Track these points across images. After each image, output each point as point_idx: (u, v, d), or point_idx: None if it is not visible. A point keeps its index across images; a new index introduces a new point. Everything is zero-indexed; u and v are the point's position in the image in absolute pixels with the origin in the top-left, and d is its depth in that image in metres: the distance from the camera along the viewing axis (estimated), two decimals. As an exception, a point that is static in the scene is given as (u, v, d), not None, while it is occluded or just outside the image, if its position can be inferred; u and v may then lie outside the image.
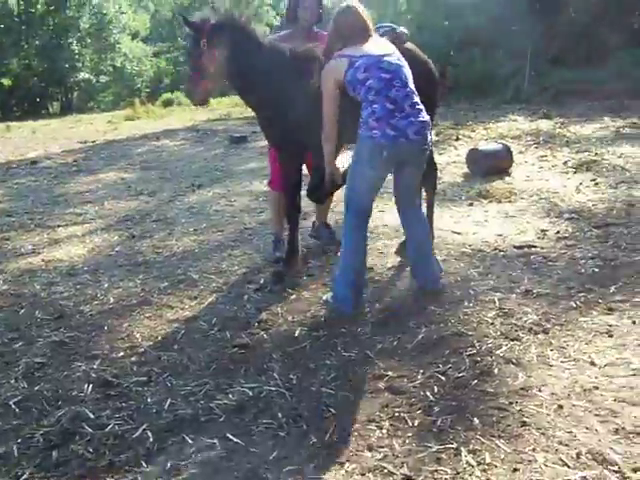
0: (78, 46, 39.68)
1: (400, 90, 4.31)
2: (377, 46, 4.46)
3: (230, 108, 23.10)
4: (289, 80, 4.86)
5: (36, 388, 3.78)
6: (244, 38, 4.84)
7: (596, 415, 3.13)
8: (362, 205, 4.54)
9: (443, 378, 3.60)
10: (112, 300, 5.17)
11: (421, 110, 4.38)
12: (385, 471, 2.83)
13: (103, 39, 41.72)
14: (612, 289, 4.67)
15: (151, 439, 3.19)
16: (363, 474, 2.83)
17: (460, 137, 12.30)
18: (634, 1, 21.27)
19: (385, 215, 6.90)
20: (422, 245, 4.79)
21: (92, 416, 3.42)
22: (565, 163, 9.25)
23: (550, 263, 5.33)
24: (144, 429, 3.28)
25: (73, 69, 38.83)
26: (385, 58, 4.37)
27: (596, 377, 3.50)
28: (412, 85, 4.40)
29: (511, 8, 19.72)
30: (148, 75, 46.73)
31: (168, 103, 28.72)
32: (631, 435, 2.95)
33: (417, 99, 4.39)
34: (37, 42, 38.22)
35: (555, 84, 18.08)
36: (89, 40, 41.17)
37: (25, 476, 2.95)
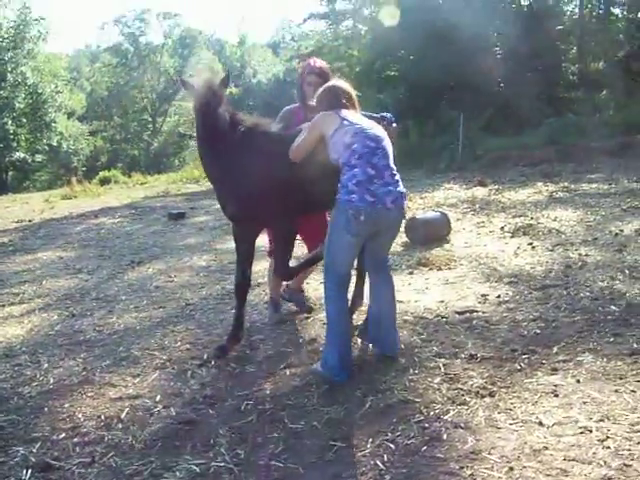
0: (13, 125, 39.43)
1: (382, 159, 4.44)
2: (362, 118, 4.68)
3: (168, 185, 23.10)
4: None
5: (-30, 477, 3.63)
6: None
7: (547, 475, 3.13)
8: (341, 274, 4.61)
9: (392, 446, 3.57)
10: (52, 380, 5.01)
11: (399, 181, 4.51)
12: None
13: (39, 118, 41.59)
14: (555, 349, 4.73)
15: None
16: None
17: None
18: (557, 74, 22.26)
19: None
20: (387, 308, 4.84)
21: (32, 503, 3.29)
22: (502, 228, 9.44)
23: (492, 327, 5.39)
24: (87, 514, 3.16)
25: (8, 148, 38.49)
26: (372, 129, 4.54)
27: (545, 437, 3.51)
28: (392, 159, 4.54)
29: (441, 79, 20.36)
30: (84, 154, 46.63)
31: (105, 181, 28.54)
32: (583, 494, 2.95)
33: (396, 171, 4.52)
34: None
35: (488, 152, 18.61)
36: (24, 119, 40.99)
37: None
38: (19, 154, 39.41)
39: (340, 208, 4.43)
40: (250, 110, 57.01)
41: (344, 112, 4.59)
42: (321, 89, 4.86)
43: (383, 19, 20.77)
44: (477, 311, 5.78)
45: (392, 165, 4.51)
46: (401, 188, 4.50)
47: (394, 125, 5.19)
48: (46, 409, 4.48)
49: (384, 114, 5.23)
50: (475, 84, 20.58)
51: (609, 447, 3.34)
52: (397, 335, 4.96)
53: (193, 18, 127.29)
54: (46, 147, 41.96)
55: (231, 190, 4.99)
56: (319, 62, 5.70)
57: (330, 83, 4.91)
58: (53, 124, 42.21)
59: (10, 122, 39.24)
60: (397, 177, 4.51)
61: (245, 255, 5.33)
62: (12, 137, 39.07)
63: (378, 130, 4.61)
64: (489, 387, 4.20)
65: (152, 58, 52.47)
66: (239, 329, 5.38)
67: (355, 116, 4.63)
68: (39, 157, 41.67)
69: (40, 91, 40.83)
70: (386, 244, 4.81)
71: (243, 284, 5.36)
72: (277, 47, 70.87)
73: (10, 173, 42.19)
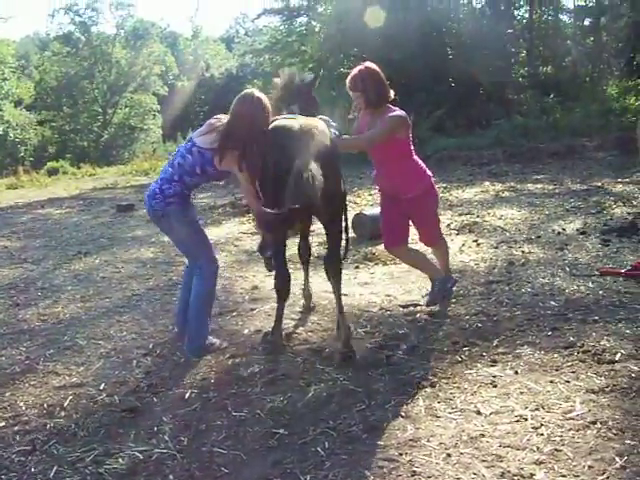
0: (-43, 113, 38.64)
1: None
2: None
3: (117, 177, 22.88)
4: None
5: None
6: None
7: (483, 461, 3.23)
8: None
9: (334, 433, 3.63)
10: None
11: (156, 181, 5.04)
12: (278, 527, 2.82)
13: (-16, 106, 40.76)
14: (495, 342, 4.84)
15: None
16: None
17: (346, 202, 12.51)
18: (507, 76, 22.61)
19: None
20: (190, 305, 5.06)
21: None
22: (448, 225, 9.56)
23: (435, 320, 5.49)
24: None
25: (-49, 137, 37.70)
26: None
27: (482, 425, 3.61)
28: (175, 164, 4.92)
29: (392, 78, 20.50)
30: (32, 144, 45.79)
31: (53, 172, 28.13)
32: (515, 477, 3.06)
33: (164, 175, 4.98)
34: None
35: (437, 151, 18.78)
36: (-31, 107, 40.15)
37: None
38: (-37, 142, 38.62)
39: None
40: (201, 104, 56.87)
41: None
42: None
43: (368, 21, 20.73)
44: (421, 305, 5.88)
45: (166, 169, 5.00)
46: (151, 188, 5.03)
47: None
48: (-15, 398, 4.44)
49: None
50: (426, 84, 20.78)
51: (542, 434, 3.46)
52: (195, 334, 5.02)
53: (146, 9, 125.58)
54: (-8, 135, 41.15)
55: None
56: None
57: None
58: (-1, 112, 41.41)
59: (-46, 109, 38.44)
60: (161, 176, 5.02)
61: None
62: (-44, 124, 38.27)
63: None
64: (430, 378, 4.29)
65: (104, 49, 51.71)
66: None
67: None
68: (-16, 146, 40.86)
69: (-14, 78, 40.03)
70: (176, 243, 5.37)
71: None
72: (231, 42, 70.59)
73: (-46, 162, 41.26)
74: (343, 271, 5.03)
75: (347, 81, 5.49)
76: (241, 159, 4.65)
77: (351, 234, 8.91)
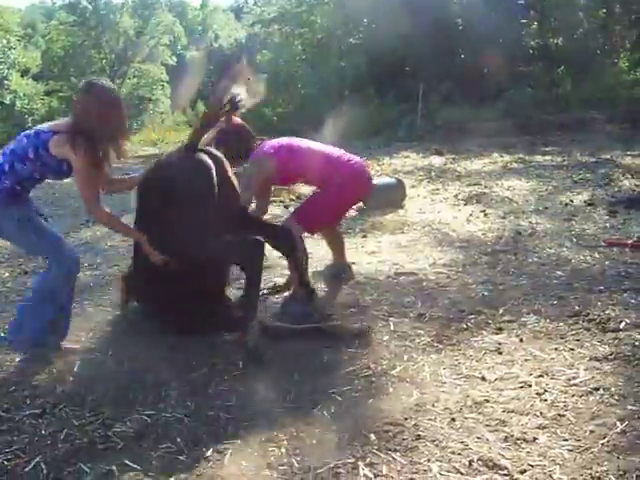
0: (-36, 81, 38.53)
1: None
2: None
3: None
4: None
5: None
6: None
7: (487, 425, 3.27)
8: None
9: (340, 398, 3.67)
10: (2, 335, 5.01)
11: None
12: (285, 488, 2.87)
13: (-10, 75, 40.63)
14: (501, 310, 4.87)
15: (45, 470, 3.11)
16: (263, 492, 2.86)
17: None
18: (518, 46, 22.41)
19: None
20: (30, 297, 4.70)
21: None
22: (456, 196, 9.58)
23: (442, 288, 5.52)
24: (37, 461, 3.19)
25: (-42, 106, 37.63)
26: None
27: (487, 391, 3.64)
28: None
29: (403, 49, 20.40)
30: (39, 114, 45.67)
31: (61, 142, 28.11)
32: (519, 441, 3.10)
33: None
34: None
35: (447, 122, 18.74)
36: (-25, 75, 40.01)
37: None
38: (-31, 111, 38.54)
39: None
40: (210, 74, 56.61)
41: None
42: None
43: None
44: (427, 273, 5.91)
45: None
46: None
47: None
48: (-4, 362, 4.49)
49: None
50: (435, 55, 20.65)
51: (546, 400, 3.49)
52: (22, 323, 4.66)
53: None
54: (-1, 105, 41.06)
55: None
56: None
57: None
58: (5, 81, 41.21)
59: (-40, 78, 38.32)
60: None
61: None
62: (-38, 93, 38.18)
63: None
64: (436, 345, 4.33)
65: (111, 18, 51.39)
66: None
67: None
68: (-9, 115, 40.78)
69: (-10, 46, 39.80)
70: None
71: None
72: (240, 12, 70.01)
73: (-39, 131, 41.22)
74: (351, 239, 5.09)
75: None
76: (89, 150, 4.15)
77: (359, 204, 9.03)
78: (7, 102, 41.16)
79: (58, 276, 4.46)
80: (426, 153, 15.10)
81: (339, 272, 5.82)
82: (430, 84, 20.41)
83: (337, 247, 5.86)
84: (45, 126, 4.31)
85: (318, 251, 6.36)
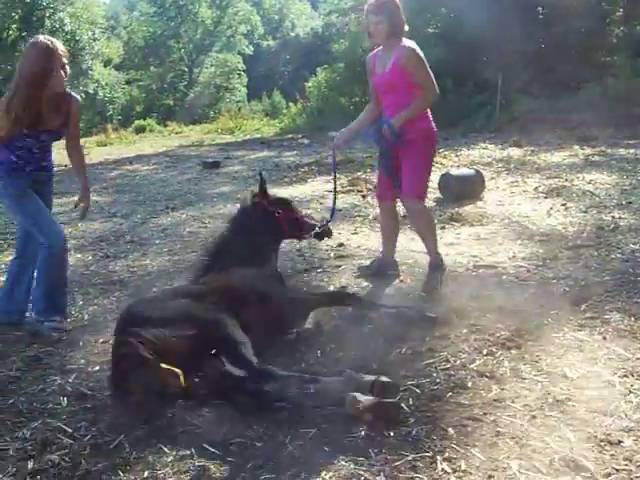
0: (50, 72, 39.59)
1: None
2: None
3: (202, 135, 23.17)
4: None
5: (10, 401, 3.78)
6: None
7: (568, 425, 3.18)
8: None
9: (418, 391, 3.64)
10: (87, 317, 5.18)
11: None
12: (362, 479, 2.86)
13: (75, 65, 41.67)
14: (582, 307, 4.74)
15: (128, 449, 3.19)
16: (340, 482, 2.86)
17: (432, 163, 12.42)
18: (600, 37, 21.80)
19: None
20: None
21: (68, 428, 3.42)
22: (536, 189, 9.39)
23: (522, 283, 5.42)
24: (120, 440, 3.27)
25: (44, 95, 38.70)
26: None
27: (568, 389, 3.55)
28: None
29: (481, 38, 20.08)
30: (120, 102, 46.74)
31: (140, 130, 28.78)
32: (602, 443, 3.01)
33: None
34: (9, 67, 38.10)
35: (525, 113, 18.36)
36: (61, 66, 41.08)
37: (0, 485, 2.96)
38: (55, 101, 39.61)
39: None
40: (286, 64, 56.94)
41: None
42: None
43: None
44: (507, 267, 5.81)
45: None
46: None
47: None
48: (81, 343, 4.64)
49: None
50: (515, 44, 20.23)
51: (631, 401, 3.38)
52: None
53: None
54: (82, 94, 42.03)
55: None
56: None
57: None
58: (90, 71, 42.28)
59: (47, 68, 39.41)
60: None
61: None
62: (49, 83, 39.27)
63: None
64: (516, 339, 4.24)
65: (190, 8, 52.09)
66: None
67: None
68: (75, 104, 41.84)
69: (78, 38, 40.84)
70: None
71: None
72: (316, 1, 70.08)
73: (46, 119, 42.40)
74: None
75: (370, 4, 5.25)
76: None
77: (437, 194, 8.98)
78: (91, 91, 42.20)
79: (52, 254, 4.81)
80: (504, 145, 14.83)
81: (384, 269, 5.79)
82: (509, 74, 20.03)
83: (392, 240, 5.82)
84: None
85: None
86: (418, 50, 5.27)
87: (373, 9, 5.22)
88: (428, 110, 5.46)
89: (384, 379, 3.52)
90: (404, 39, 5.32)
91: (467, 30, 20.26)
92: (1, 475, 3.04)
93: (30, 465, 3.09)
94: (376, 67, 5.44)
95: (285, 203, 5.09)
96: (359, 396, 3.34)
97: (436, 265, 5.48)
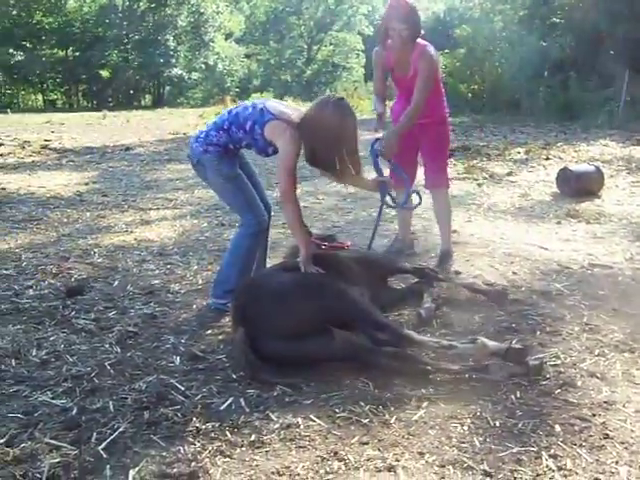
0: (174, 42, 40.73)
1: None
2: None
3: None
4: None
5: (128, 354, 3.97)
6: None
7: (682, 435, 3.09)
8: None
9: (526, 384, 3.60)
10: (201, 281, 5.33)
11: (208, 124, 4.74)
12: (465, 465, 2.86)
13: (198, 37, 42.67)
14: None
15: (236, 412, 3.29)
16: (442, 466, 2.86)
17: (550, 157, 12.17)
18: None
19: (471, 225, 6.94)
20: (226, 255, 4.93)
21: (180, 386, 3.55)
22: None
23: (639, 285, 5.25)
24: (230, 403, 3.38)
25: (167, 64, 39.88)
26: None
27: (683, 399, 3.44)
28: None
29: (609, 30, 19.41)
30: (238, 75, 47.55)
31: (257, 103, 29.09)
32: None
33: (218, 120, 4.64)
34: (137, 37, 39.43)
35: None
36: (184, 37, 42.19)
37: (121, 429, 3.12)
38: (177, 70, 40.76)
39: None
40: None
41: None
42: None
43: None
44: (624, 268, 5.64)
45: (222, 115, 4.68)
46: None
47: None
48: (194, 306, 4.79)
49: None
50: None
51: None
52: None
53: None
54: (202, 65, 43.08)
55: None
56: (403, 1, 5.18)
57: None
58: (211, 43, 43.26)
59: (172, 39, 40.57)
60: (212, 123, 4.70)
61: None
62: (172, 53, 40.41)
63: None
64: (629, 343, 4.13)
65: (313, -14, 52.41)
66: None
67: None
68: (195, 75, 42.91)
69: (202, 10, 41.79)
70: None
71: None
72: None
73: (167, 88, 43.68)
74: (544, 225, 4.97)
75: (393, 11, 5.13)
76: (297, 141, 4.27)
77: (554, 189, 8.78)
78: (211, 63, 43.16)
79: (244, 235, 4.76)
80: (626, 143, 14.33)
81: (403, 248, 6.01)
82: (637, 69, 19.27)
83: (407, 222, 6.09)
84: (273, 106, 4.42)
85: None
86: (435, 57, 5.30)
87: (398, 16, 5.13)
88: (444, 96, 5.64)
89: (518, 346, 3.75)
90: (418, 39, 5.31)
91: (593, 21, 19.63)
92: (122, 421, 3.20)
93: (146, 415, 3.25)
94: (395, 70, 5.51)
95: None
96: (487, 341, 3.74)
97: (448, 254, 5.73)
